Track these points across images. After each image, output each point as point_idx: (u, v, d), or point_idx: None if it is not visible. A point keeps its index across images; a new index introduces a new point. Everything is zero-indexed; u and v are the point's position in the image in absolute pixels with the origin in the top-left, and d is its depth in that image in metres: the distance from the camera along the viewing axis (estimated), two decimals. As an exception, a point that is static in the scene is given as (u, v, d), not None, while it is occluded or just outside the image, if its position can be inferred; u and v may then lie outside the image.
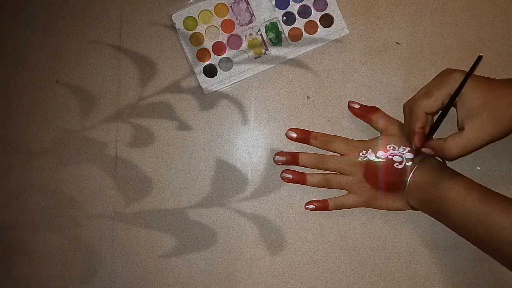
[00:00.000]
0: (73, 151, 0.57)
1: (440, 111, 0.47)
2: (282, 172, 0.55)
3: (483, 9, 0.55)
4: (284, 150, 0.55)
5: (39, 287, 0.57)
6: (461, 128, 0.46)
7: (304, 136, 0.54)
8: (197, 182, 0.56)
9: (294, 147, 0.56)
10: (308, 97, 0.56)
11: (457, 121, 0.46)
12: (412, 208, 0.51)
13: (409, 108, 0.48)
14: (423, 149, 0.48)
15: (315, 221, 0.55)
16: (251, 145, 0.56)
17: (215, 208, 0.56)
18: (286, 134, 0.55)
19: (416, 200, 0.50)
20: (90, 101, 0.57)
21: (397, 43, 0.56)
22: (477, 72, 0.45)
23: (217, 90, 0.56)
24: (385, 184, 0.51)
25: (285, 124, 0.56)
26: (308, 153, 0.54)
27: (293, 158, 0.54)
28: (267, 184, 0.56)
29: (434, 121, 0.48)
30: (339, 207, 0.54)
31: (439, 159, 0.51)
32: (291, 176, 0.54)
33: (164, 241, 0.56)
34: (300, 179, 0.54)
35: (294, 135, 0.55)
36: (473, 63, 0.45)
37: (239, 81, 0.56)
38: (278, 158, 0.55)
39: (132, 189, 0.57)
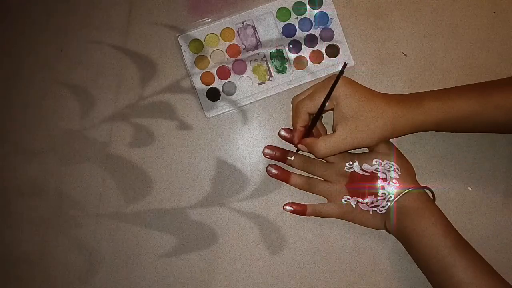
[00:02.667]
0: (73, 151, 0.57)
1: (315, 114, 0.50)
2: (268, 166, 0.55)
3: (494, 30, 0.55)
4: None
5: (39, 287, 0.57)
6: (334, 131, 0.49)
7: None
8: (197, 182, 0.56)
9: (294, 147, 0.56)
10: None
11: (333, 123, 0.49)
12: (387, 230, 0.52)
13: (295, 107, 0.51)
14: (299, 145, 0.51)
15: (315, 221, 0.55)
16: (251, 145, 0.56)
17: (215, 208, 0.56)
18: (278, 133, 0.55)
19: (392, 224, 0.50)
20: (90, 101, 0.57)
21: (403, 55, 0.56)
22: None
23: (219, 114, 0.56)
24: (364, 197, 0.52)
25: (285, 125, 0.56)
26: (297, 154, 0.54)
27: (281, 155, 0.55)
28: (267, 184, 0.56)
29: (311, 121, 0.51)
30: (316, 214, 0.54)
31: (427, 191, 0.51)
32: (276, 172, 0.55)
33: (164, 241, 0.56)
34: (284, 177, 0.55)
35: (285, 134, 0.55)
36: (340, 69, 0.48)
37: (241, 106, 0.56)
38: (267, 151, 0.55)
39: (132, 189, 0.57)
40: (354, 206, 0.52)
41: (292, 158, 0.54)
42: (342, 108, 0.48)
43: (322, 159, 0.54)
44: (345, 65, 0.49)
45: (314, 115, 0.50)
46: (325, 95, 0.48)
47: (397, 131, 0.48)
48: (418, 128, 0.48)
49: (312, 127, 0.51)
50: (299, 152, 0.54)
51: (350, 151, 0.53)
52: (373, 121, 0.47)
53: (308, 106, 0.49)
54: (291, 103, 0.53)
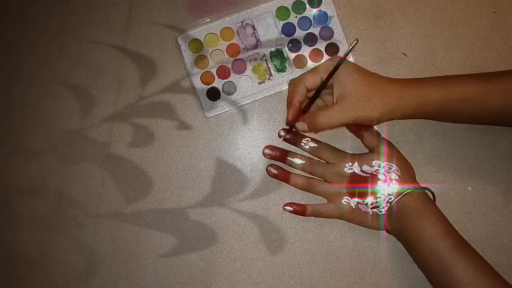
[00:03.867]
0: (73, 151, 0.57)
1: (316, 89, 0.50)
2: (268, 166, 0.55)
3: (494, 30, 0.55)
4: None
5: (39, 287, 0.57)
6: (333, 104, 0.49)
7: (294, 137, 0.54)
8: (197, 182, 0.56)
9: (294, 147, 0.56)
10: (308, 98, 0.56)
11: (332, 98, 0.49)
12: (387, 230, 0.52)
13: (293, 83, 0.51)
14: (296, 124, 0.50)
15: (315, 221, 0.55)
16: (251, 145, 0.56)
17: (215, 208, 0.56)
18: (278, 134, 0.55)
19: (392, 224, 0.50)
20: (90, 101, 0.57)
21: (403, 55, 0.56)
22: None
23: (219, 114, 0.56)
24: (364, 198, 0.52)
25: (285, 124, 0.56)
26: (297, 153, 0.54)
27: (281, 156, 0.55)
28: (267, 184, 0.56)
29: (311, 97, 0.50)
30: (316, 214, 0.54)
31: (427, 191, 0.51)
32: (276, 172, 0.55)
33: (164, 241, 0.56)
34: (284, 177, 0.54)
35: (285, 134, 0.55)
36: (350, 46, 0.48)
37: (241, 106, 0.56)
38: (267, 151, 0.55)
39: (132, 189, 0.57)
40: (354, 207, 0.52)
41: (293, 159, 0.54)
42: (341, 83, 0.48)
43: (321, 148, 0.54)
44: (356, 41, 0.48)
45: (314, 92, 0.50)
46: (326, 69, 0.48)
47: (397, 110, 0.48)
48: (417, 109, 0.48)
49: (311, 103, 0.50)
50: (287, 136, 0.54)
51: (350, 152, 0.53)
52: (373, 97, 0.47)
53: (310, 80, 0.49)
54: (288, 84, 0.52)
